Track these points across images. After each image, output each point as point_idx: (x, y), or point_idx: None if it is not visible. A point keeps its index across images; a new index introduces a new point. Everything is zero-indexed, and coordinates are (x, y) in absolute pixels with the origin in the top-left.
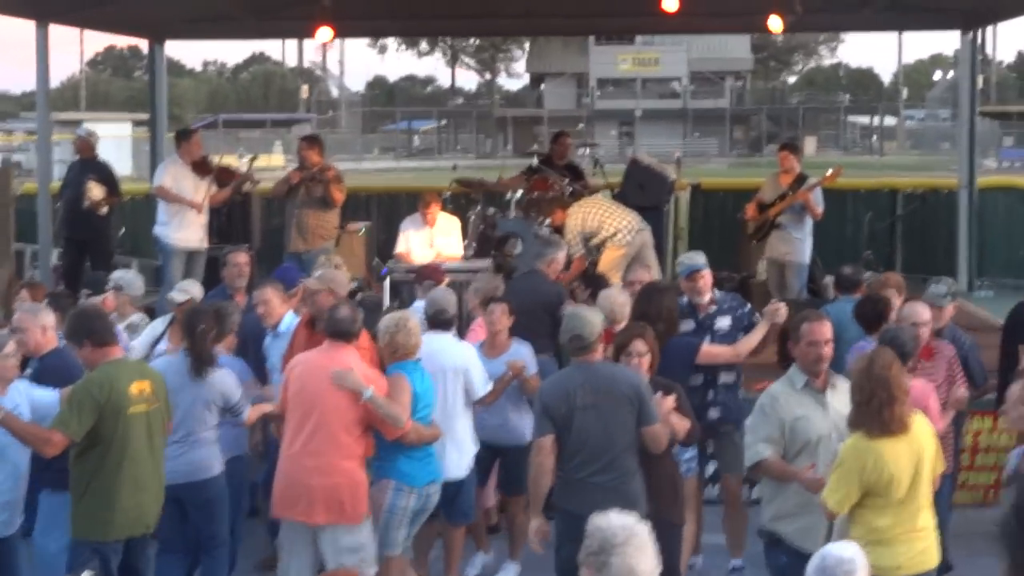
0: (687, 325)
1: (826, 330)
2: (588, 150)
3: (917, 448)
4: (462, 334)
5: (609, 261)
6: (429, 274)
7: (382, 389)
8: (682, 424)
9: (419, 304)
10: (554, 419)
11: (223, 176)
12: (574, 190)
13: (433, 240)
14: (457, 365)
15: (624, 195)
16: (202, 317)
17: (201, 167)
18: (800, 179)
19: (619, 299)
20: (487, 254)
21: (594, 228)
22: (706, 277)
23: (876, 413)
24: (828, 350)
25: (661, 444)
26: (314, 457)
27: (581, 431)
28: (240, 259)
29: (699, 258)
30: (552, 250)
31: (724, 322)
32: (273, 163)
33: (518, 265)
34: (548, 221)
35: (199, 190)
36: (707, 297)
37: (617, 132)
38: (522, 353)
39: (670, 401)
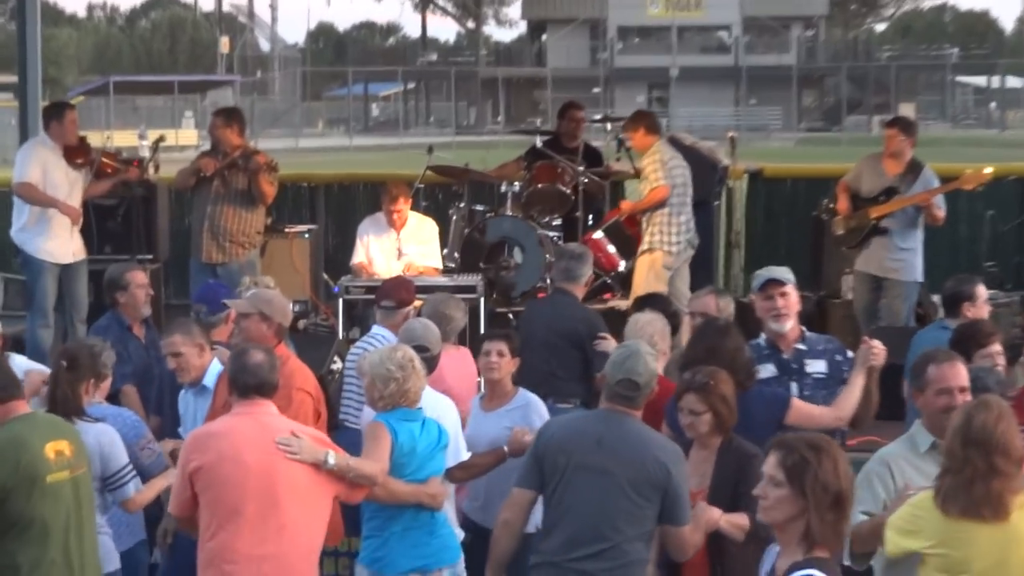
0: (766, 370)
1: (960, 375)
2: (608, 125)
3: (1015, 540)
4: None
5: (650, 269)
6: (391, 292)
7: (339, 451)
8: (737, 524)
9: (382, 333)
10: (544, 471)
11: (104, 165)
12: (590, 180)
13: (402, 248)
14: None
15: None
16: (64, 354)
17: (77, 153)
18: (914, 168)
19: (658, 327)
20: (475, 266)
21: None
22: (790, 295)
23: (965, 486)
24: (964, 400)
25: (686, 553)
26: (267, 564)
27: (575, 497)
28: (141, 279)
29: (783, 271)
30: (585, 267)
31: (817, 366)
32: (183, 141)
33: (517, 281)
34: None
35: (75, 187)
36: (789, 325)
37: (646, 99)
38: (532, 413)
39: (715, 515)
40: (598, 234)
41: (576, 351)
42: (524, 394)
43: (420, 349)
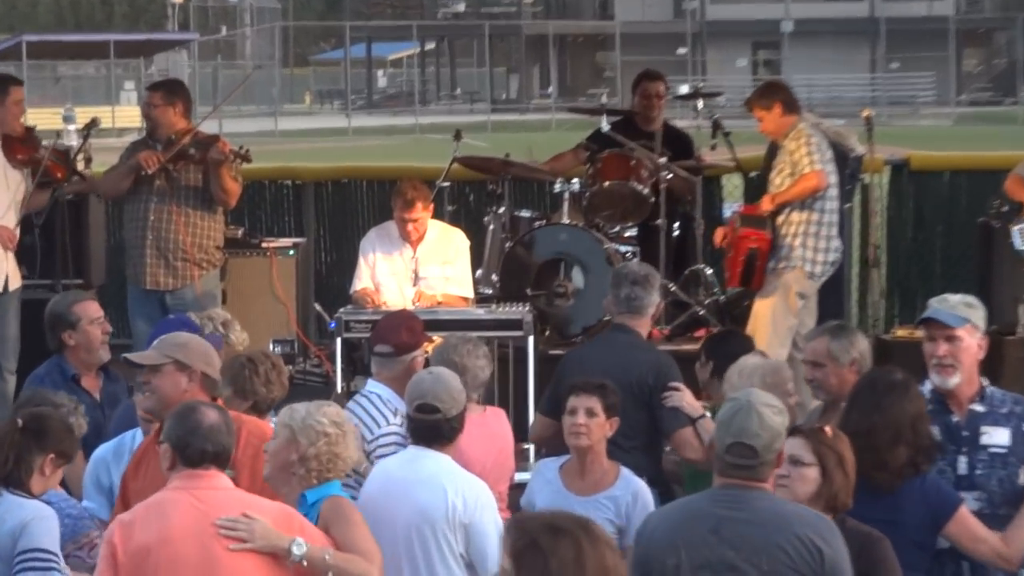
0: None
1: None
2: (700, 102)
3: None
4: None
5: (783, 295)
6: (388, 332)
7: (316, 538)
8: None
9: (376, 390)
10: None
11: (53, 167)
12: (675, 176)
13: (420, 269)
14: (453, 515)
15: (769, 183)
16: (30, 416)
17: (20, 147)
18: None
19: (784, 374)
20: (520, 294)
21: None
22: (962, 341)
23: None
24: None
25: None
26: None
27: None
28: (94, 311)
29: (954, 307)
30: (651, 294)
31: (997, 436)
32: (123, 121)
33: (576, 314)
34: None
35: (15, 194)
36: (956, 381)
37: (749, 62)
38: (638, 505)
39: None
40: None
41: (640, 409)
42: (629, 479)
43: (429, 410)
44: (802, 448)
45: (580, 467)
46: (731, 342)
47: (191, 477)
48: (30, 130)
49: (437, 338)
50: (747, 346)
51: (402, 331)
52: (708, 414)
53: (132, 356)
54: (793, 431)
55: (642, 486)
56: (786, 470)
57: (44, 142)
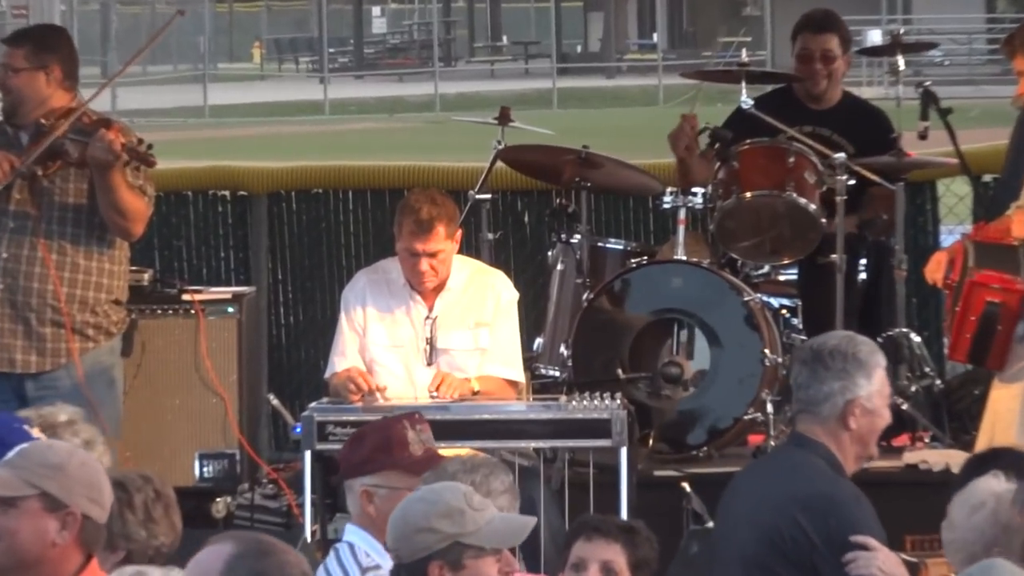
0: None
1: None
2: (901, 59)
3: None
4: None
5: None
6: (362, 445)
7: None
8: None
9: (354, 536)
10: None
11: None
12: (863, 181)
13: (438, 335)
14: None
15: (1011, 189)
16: None
17: None
18: None
19: None
20: (605, 375)
21: None
22: None
23: None
24: None
25: None
26: None
27: None
28: None
29: None
30: (845, 376)
31: None
32: None
33: (694, 411)
34: None
35: None
36: None
37: None
38: None
39: None
40: None
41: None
42: None
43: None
44: None
45: None
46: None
47: None
48: None
49: (461, 451)
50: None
51: (366, 440)
52: None
53: None
54: None
55: None
56: None
57: None
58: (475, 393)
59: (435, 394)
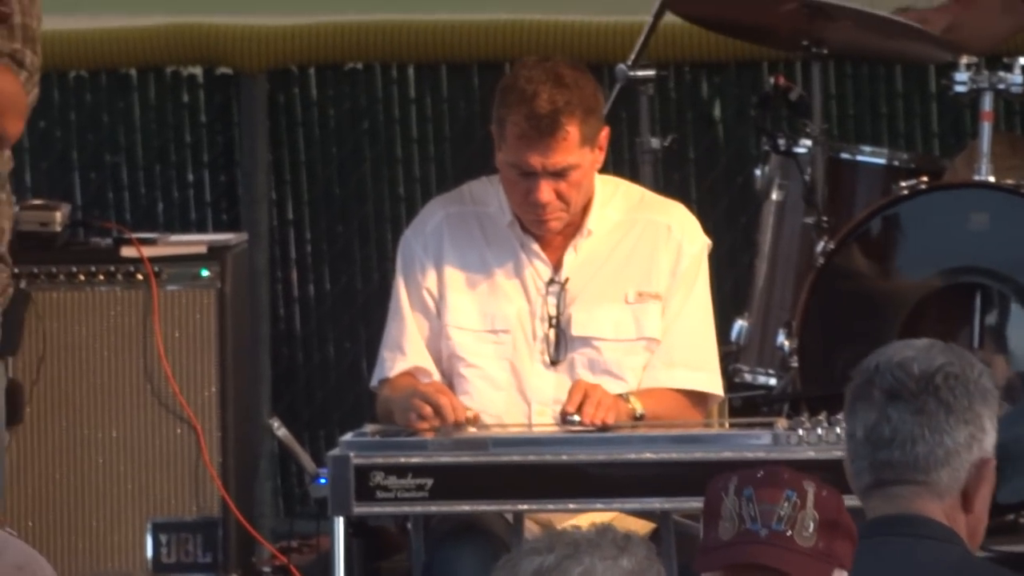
0: None
1: None
2: None
3: None
4: None
5: None
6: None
7: None
8: None
9: None
10: None
11: None
12: None
13: (571, 314)
14: None
15: None
16: None
17: None
18: None
19: None
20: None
21: None
22: None
23: None
24: None
25: None
26: None
27: None
28: None
29: None
30: (992, 408)
31: None
32: None
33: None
34: None
35: None
36: None
37: None
38: None
39: None
40: None
41: None
42: None
43: None
44: None
45: None
46: None
47: None
48: None
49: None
50: None
51: None
52: None
53: None
54: None
55: None
56: None
57: None
58: (638, 418)
59: (573, 419)
